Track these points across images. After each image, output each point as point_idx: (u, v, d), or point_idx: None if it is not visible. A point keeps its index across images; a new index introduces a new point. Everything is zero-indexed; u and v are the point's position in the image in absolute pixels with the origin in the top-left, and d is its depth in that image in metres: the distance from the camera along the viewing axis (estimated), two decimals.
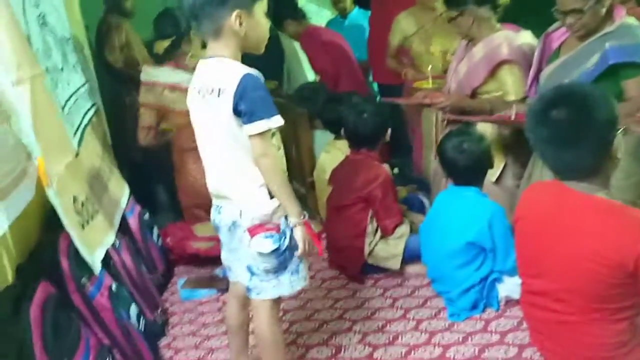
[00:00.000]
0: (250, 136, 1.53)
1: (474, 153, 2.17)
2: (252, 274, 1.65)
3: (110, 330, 1.79)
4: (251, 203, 1.60)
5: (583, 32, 2.04)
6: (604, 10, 2.01)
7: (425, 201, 2.83)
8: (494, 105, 2.47)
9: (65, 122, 2.07)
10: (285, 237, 1.62)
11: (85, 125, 2.46)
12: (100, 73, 3.56)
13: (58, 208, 1.63)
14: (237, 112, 1.52)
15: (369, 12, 4.11)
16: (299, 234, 1.63)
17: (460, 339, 1.99)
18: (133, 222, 2.52)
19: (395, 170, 3.84)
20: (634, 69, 2.00)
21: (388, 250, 2.48)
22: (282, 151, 1.70)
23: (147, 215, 2.69)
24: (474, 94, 2.65)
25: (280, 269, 1.64)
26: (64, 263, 1.73)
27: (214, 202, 1.71)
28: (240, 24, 1.53)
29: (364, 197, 2.46)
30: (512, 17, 2.67)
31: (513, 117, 2.22)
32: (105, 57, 3.76)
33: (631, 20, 2.07)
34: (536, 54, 2.30)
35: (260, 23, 1.59)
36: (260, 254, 1.60)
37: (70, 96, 2.36)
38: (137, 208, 2.65)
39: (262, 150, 1.54)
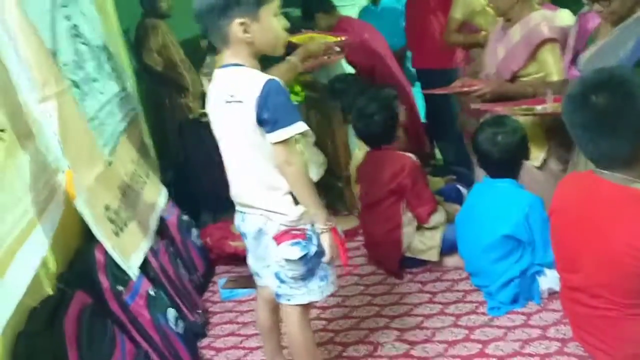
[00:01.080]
0: (274, 144, 1.51)
1: (508, 145, 2.08)
2: (281, 281, 1.65)
3: (148, 335, 1.84)
4: (276, 210, 1.59)
5: (614, 18, 1.94)
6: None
7: (464, 191, 2.75)
8: (536, 88, 2.38)
9: (97, 132, 2.12)
10: (312, 244, 1.61)
11: (121, 132, 2.52)
12: (140, 76, 3.66)
13: (87, 218, 1.67)
14: (260, 121, 1.50)
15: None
16: (326, 241, 1.61)
17: (501, 334, 1.93)
18: (172, 224, 2.57)
19: (435, 161, 3.77)
20: None
21: (425, 242, 2.43)
22: (311, 152, 1.67)
23: (185, 217, 2.74)
24: (514, 78, 2.56)
25: (308, 275, 1.63)
26: (100, 271, 1.78)
27: (237, 208, 1.71)
28: (246, 31, 1.51)
29: (394, 189, 2.41)
30: None
31: (548, 102, 2.13)
32: (144, 60, 3.85)
33: None
34: (572, 34, 2.20)
35: (270, 27, 1.55)
36: (288, 261, 1.60)
37: (104, 105, 2.42)
38: (176, 210, 2.70)
39: (286, 158, 1.52)
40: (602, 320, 1.46)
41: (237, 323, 2.32)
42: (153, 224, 2.36)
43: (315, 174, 2.96)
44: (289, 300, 1.67)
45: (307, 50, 2.24)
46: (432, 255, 2.42)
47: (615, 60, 1.96)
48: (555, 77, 2.43)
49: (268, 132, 1.52)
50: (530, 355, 1.80)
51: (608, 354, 1.49)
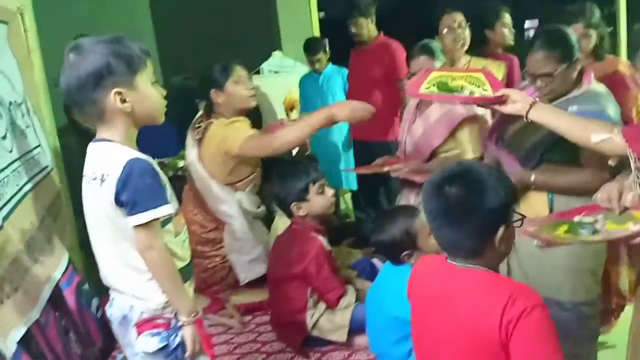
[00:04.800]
0: (134, 227, 1.45)
1: (391, 233, 2.09)
2: None
3: None
4: (140, 296, 1.52)
5: (552, 96, 2.04)
6: (574, 75, 2.03)
7: (379, 266, 2.73)
8: None
9: None
10: (177, 335, 1.53)
11: (25, 193, 2.40)
12: (67, 132, 3.56)
13: None
14: (118, 202, 1.44)
15: (343, 69, 4.17)
16: (187, 334, 1.53)
17: None
18: (69, 294, 2.42)
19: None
20: None
21: (334, 321, 2.37)
22: (181, 236, 1.61)
23: (86, 286, 2.59)
24: (433, 154, 2.64)
25: None
26: None
27: (110, 292, 1.63)
28: (123, 100, 1.46)
29: (299, 274, 2.36)
30: None
31: None
32: (72, 116, 3.75)
33: (599, 87, 2.09)
34: None
35: (148, 94, 1.51)
36: (147, 353, 1.51)
37: (11, 164, 2.32)
38: (77, 278, 2.56)
39: (146, 243, 1.46)
40: None
41: None
42: (45, 294, 2.21)
43: (265, 265, 2.80)
44: None
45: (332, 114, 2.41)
46: (341, 336, 2.36)
47: (541, 133, 2.06)
48: (469, 155, 2.52)
49: (128, 214, 1.45)
50: None
51: None
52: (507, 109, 1.91)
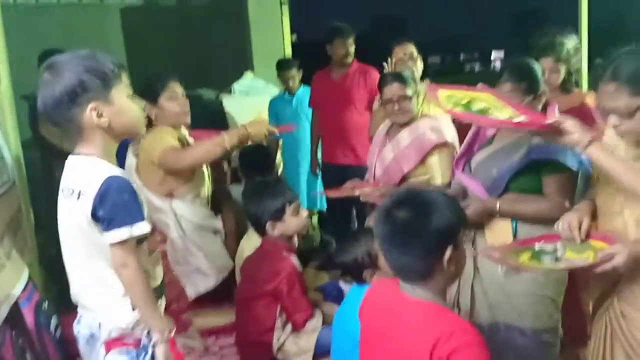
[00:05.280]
0: (110, 244, 1.43)
1: (353, 254, 2.17)
2: None
3: None
4: (110, 314, 1.50)
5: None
6: (539, 107, 2.08)
7: (346, 289, 2.74)
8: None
9: None
10: (146, 354, 1.51)
11: None
12: (33, 146, 3.48)
13: None
14: (95, 217, 1.43)
15: None
16: (160, 353, 1.52)
17: None
18: (28, 312, 2.34)
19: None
20: (553, 166, 2.06)
21: (299, 345, 2.36)
22: (155, 255, 1.61)
23: (45, 304, 2.51)
24: (403, 179, 2.68)
25: None
26: None
27: (78, 309, 1.59)
28: (100, 115, 1.46)
29: (269, 291, 2.36)
30: None
31: None
32: (39, 131, 3.67)
33: None
34: (469, 134, 2.34)
35: (124, 107, 1.52)
36: None
37: None
38: (36, 295, 2.47)
39: (122, 260, 1.45)
40: None
41: None
42: (2, 312, 2.13)
43: (213, 280, 2.82)
44: None
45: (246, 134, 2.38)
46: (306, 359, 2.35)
47: (504, 164, 2.11)
48: (438, 181, 2.58)
49: (104, 230, 1.44)
50: None
51: None
52: (565, 140, 1.72)
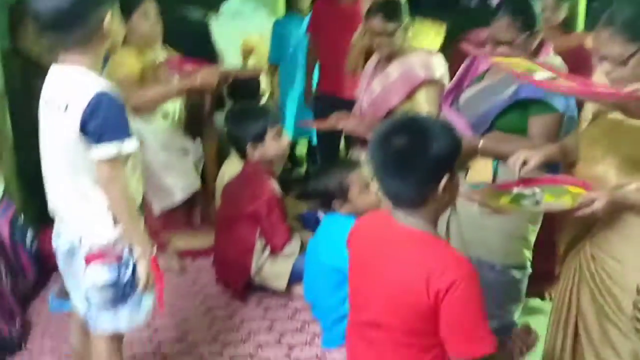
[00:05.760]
0: (98, 159, 1.40)
1: (325, 182, 2.17)
2: (89, 304, 1.53)
3: None
4: (92, 229, 1.48)
5: None
6: (534, 45, 2.02)
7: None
8: None
9: None
10: (127, 269, 1.50)
11: None
12: (13, 57, 3.34)
13: None
14: (84, 131, 1.39)
15: None
16: (142, 269, 1.52)
17: None
18: (3, 225, 2.33)
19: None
20: (540, 106, 2.03)
21: (275, 269, 2.39)
22: (137, 173, 1.59)
23: (21, 218, 2.50)
24: (389, 114, 2.64)
25: (118, 302, 1.53)
26: None
27: (55, 223, 1.58)
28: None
29: (250, 214, 2.37)
30: None
31: None
32: (17, 43, 3.52)
33: (556, 60, 2.09)
34: (460, 70, 2.29)
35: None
36: (96, 284, 1.48)
37: None
38: (12, 209, 2.46)
39: (109, 176, 1.42)
40: (378, 357, 1.48)
41: (60, 338, 2.13)
42: None
43: (178, 197, 2.85)
44: (96, 326, 1.55)
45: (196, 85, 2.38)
46: (280, 284, 2.40)
47: (493, 101, 2.07)
48: None
49: (93, 146, 1.41)
50: None
51: None
52: None
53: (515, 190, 1.89)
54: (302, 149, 4.35)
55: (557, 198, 1.84)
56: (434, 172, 1.38)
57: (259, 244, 2.40)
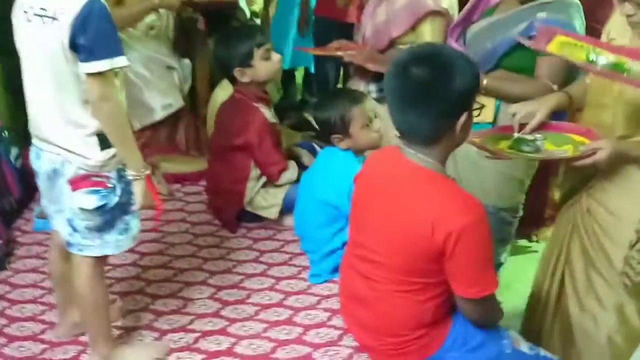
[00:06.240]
0: (89, 76, 1.31)
1: (327, 113, 2.03)
2: (74, 229, 1.49)
3: None
4: (77, 152, 1.41)
5: None
6: None
7: (319, 150, 2.68)
8: None
9: None
10: (114, 194, 1.45)
11: None
12: None
13: None
14: (74, 46, 1.29)
15: None
16: (138, 189, 1.48)
17: (314, 302, 1.93)
18: None
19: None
20: None
21: (267, 198, 2.35)
22: (123, 96, 1.50)
23: (6, 133, 2.42)
24: (391, 44, 2.53)
25: (105, 227, 1.49)
26: None
27: (33, 141, 1.50)
28: None
29: (241, 145, 2.29)
30: None
31: None
32: None
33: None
34: (470, 2, 2.16)
35: None
36: (83, 210, 1.43)
37: None
38: None
39: (101, 93, 1.34)
40: (370, 292, 1.49)
41: (44, 258, 2.11)
42: None
43: (157, 115, 2.79)
44: (80, 250, 1.51)
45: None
46: (272, 213, 2.36)
47: (502, 36, 1.98)
48: None
49: (82, 61, 1.32)
50: (334, 327, 1.80)
51: (376, 332, 1.52)
52: None
53: (517, 134, 1.83)
54: (299, 77, 4.21)
55: (558, 146, 1.77)
56: (455, 107, 1.33)
57: (254, 172, 2.33)
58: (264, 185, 2.37)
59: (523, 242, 3.16)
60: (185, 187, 2.67)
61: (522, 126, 1.78)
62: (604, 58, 1.56)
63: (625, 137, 1.67)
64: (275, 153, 2.33)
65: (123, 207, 1.49)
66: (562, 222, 1.94)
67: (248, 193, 2.33)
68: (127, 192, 1.49)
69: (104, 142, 1.41)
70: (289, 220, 2.37)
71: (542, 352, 1.61)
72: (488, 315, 1.49)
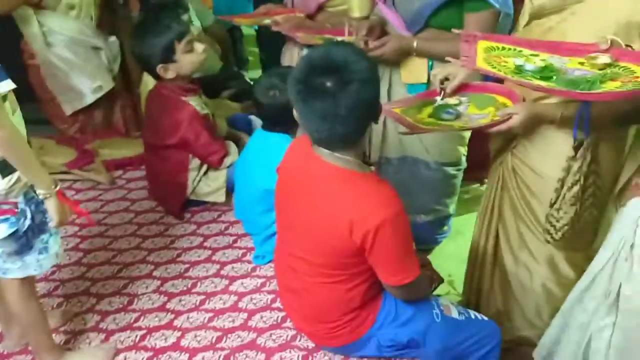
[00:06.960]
0: None
1: (281, 103, 1.91)
2: None
3: None
4: None
5: None
6: None
7: (256, 123, 2.64)
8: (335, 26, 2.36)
9: None
10: (25, 218, 1.43)
11: None
12: None
13: None
14: None
15: None
16: (52, 206, 1.45)
17: (258, 285, 1.96)
18: None
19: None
20: (476, 1, 1.96)
21: (210, 183, 2.32)
22: (18, 112, 1.44)
23: None
24: (320, 8, 2.48)
25: (23, 250, 1.47)
26: None
27: None
28: None
29: (176, 144, 2.22)
30: None
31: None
32: None
33: None
34: None
35: None
36: None
37: None
38: None
39: None
40: (300, 282, 1.54)
41: None
42: None
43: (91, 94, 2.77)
44: (4, 274, 1.50)
45: None
46: (219, 197, 2.34)
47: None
48: (356, 14, 2.40)
49: None
50: (278, 309, 1.84)
51: (301, 316, 1.60)
52: None
53: (439, 99, 1.82)
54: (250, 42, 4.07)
55: (481, 109, 1.78)
56: (371, 114, 1.35)
57: (193, 163, 2.28)
58: (207, 172, 2.33)
59: (475, 187, 3.22)
60: (127, 172, 2.63)
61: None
62: (531, 65, 1.54)
63: (543, 98, 1.67)
64: (213, 143, 2.26)
65: (38, 227, 1.47)
66: (492, 180, 1.98)
67: (190, 183, 2.29)
68: (39, 212, 1.46)
69: (5, 169, 1.37)
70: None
71: (473, 314, 1.67)
72: (414, 295, 1.54)
